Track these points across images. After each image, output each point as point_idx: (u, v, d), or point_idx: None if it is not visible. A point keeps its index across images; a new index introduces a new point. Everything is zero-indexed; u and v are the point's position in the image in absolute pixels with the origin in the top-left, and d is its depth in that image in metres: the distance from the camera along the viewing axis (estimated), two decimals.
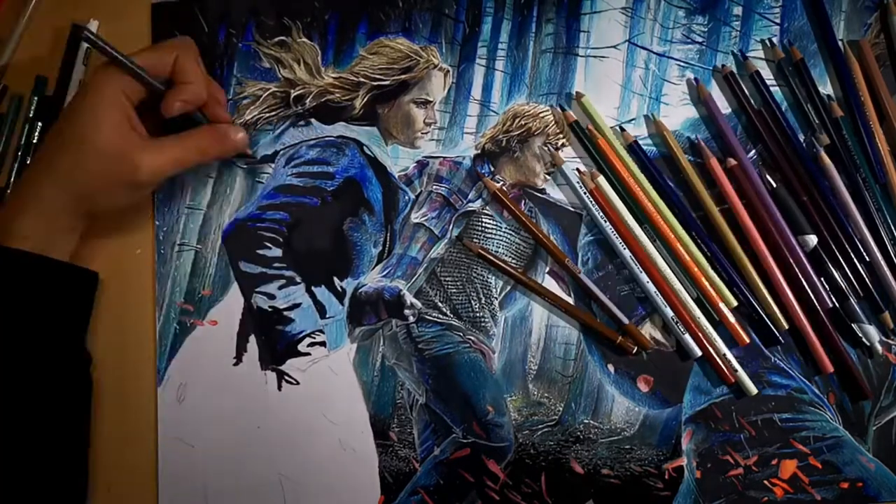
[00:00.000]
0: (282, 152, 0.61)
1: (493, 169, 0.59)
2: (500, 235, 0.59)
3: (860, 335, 0.54)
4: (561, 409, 0.56)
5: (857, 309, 0.54)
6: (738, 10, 0.59)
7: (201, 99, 0.53)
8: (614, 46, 0.60)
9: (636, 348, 0.55)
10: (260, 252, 0.59)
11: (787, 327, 0.55)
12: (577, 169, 0.58)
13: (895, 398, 0.55)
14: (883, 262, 0.54)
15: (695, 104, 0.59)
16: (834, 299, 0.55)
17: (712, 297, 0.55)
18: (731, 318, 0.55)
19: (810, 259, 0.55)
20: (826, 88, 0.58)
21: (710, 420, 0.55)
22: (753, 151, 0.57)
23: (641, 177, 0.56)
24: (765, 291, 0.54)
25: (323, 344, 0.58)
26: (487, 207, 0.59)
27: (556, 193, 0.59)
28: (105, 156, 0.50)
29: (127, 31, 0.62)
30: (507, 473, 0.55)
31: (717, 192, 0.56)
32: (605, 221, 0.56)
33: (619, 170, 0.56)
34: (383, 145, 0.60)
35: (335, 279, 0.59)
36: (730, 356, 0.54)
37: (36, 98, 0.61)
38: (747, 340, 0.55)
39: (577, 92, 0.59)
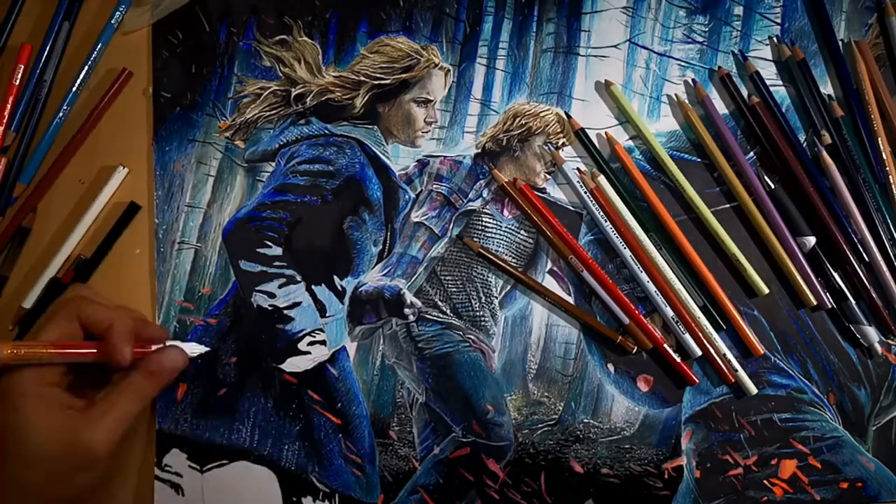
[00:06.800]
0: (282, 151, 0.61)
1: (493, 168, 0.59)
2: (501, 234, 0.59)
3: (858, 336, 0.54)
4: (561, 408, 0.56)
5: (857, 310, 0.54)
6: (738, 10, 0.59)
7: (129, 330, 0.49)
8: (615, 46, 0.60)
9: (636, 348, 0.55)
10: (260, 251, 0.59)
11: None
12: (578, 168, 0.58)
13: (895, 398, 0.55)
14: (882, 263, 0.54)
15: (694, 105, 0.59)
16: (832, 300, 0.55)
17: (723, 300, 0.55)
18: (744, 325, 0.55)
19: (809, 259, 0.55)
20: (826, 88, 0.58)
21: (709, 420, 0.55)
22: (752, 153, 0.57)
23: (641, 177, 0.57)
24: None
25: (323, 343, 0.58)
26: (488, 206, 0.59)
27: (556, 193, 0.59)
28: (50, 458, 0.44)
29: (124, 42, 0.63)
30: (507, 472, 0.55)
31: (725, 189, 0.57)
32: (606, 221, 0.56)
33: (631, 169, 0.57)
34: (384, 144, 0.60)
35: (335, 278, 0.59)
36: (730, 356, 0.54)
37: None
38: (762, 351, 0.54)
39: (606, 80, 0.59)
